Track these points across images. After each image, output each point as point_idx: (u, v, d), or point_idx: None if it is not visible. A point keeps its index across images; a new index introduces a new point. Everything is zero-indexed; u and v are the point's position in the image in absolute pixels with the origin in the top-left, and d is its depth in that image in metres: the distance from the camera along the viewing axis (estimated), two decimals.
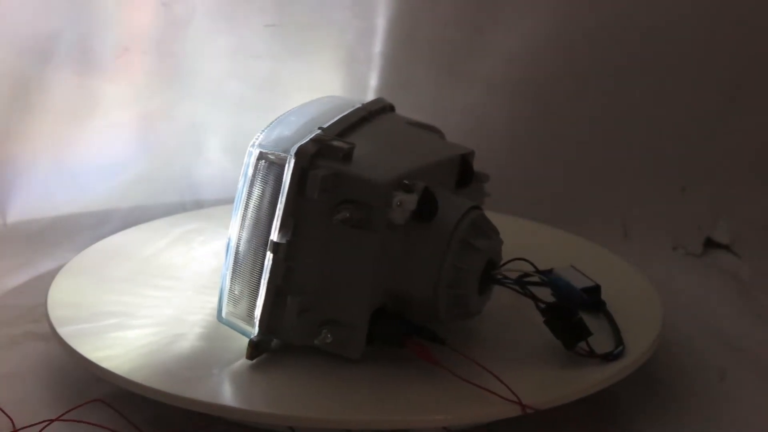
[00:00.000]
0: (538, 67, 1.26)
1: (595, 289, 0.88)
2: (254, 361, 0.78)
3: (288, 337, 0.79)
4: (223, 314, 0.82)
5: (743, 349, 0.97)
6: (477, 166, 0.89)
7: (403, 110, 0.94)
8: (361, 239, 0.76)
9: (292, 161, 0.77)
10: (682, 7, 1.23)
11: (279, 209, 0.77)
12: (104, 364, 0.78)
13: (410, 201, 0.76)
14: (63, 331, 0.83)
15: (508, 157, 1.26)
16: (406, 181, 0.76)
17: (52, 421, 0.78)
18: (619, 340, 0.82)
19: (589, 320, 0.82)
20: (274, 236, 0.77)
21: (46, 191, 1.20)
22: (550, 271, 0.88)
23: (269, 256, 0.77)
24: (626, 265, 0.99)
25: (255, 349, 0.78)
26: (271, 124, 0.83)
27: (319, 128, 0.81)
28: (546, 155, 1.27)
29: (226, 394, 0.77)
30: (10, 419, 0.79)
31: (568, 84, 1.26)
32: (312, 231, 0.77)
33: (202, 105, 1.25)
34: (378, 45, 1.29)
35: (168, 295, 0.91)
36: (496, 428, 0.78)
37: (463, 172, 0.87)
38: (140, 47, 1.21)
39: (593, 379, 0.78)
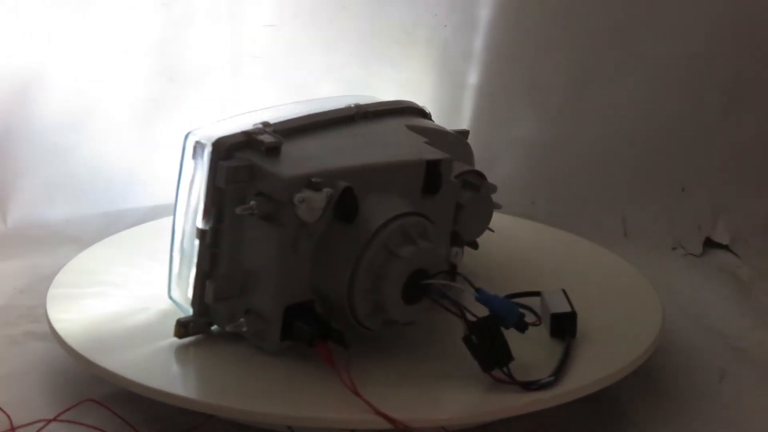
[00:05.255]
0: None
1: (570, 316, 0.83)
2: (183, 340, 0.80)
3: (216, 322, 0.81)
4: (172, 295, 0.84)
5: (743, 349, 0.98)
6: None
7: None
8: (270, 233, 0.76)
9: (209, 149, 0.78)
10: (682, 7, 1.23)
11: (201, 197, 0.79)
12: (56, 325, 0.83)
13: (317, 199, 0.75)
14: (51, 293, 0.88)
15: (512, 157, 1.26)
16: (315, 179, 0.75)
17: (49, 421, 0.78)
18: (555, 371, 0.77)
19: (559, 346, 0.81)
20: (199, 223, 0.79)
21: (46, 193, 1.20)
22: (538, 293, 0.86)
23: (196, 242, 0.79)
24: (626, 265, 0.99)
25: (182, 328, 0.80)
26: (239, 115, 0.84)
27: (262, 123, 0.81)
28: (546, 154, 1.27)
29: (134, 367, 0.78)
30: (9, 417, 0.79)
31: (567, 82, 1.26)
32: (232, 220, 0.78)
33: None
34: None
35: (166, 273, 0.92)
36: (496, 428, 0.78)
37: (430, 178, 0.83)
38: (141, 47, 1.21)
39: (513, 403, 0.75)
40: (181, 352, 0.80)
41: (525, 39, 1.23)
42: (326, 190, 0.75)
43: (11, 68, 1.17)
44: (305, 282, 0.78)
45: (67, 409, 0.79)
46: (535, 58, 1.24)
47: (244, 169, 0.77)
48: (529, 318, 0.80)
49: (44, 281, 0.93)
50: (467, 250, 0.93)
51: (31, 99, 1.19)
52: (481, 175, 0.91)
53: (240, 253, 0.78)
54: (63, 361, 0.86)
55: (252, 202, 0.75)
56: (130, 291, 0.90)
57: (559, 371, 0.77)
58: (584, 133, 1.26)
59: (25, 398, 0.83)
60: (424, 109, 0.96)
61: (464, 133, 0.98)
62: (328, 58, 1.23)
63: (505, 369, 0.75)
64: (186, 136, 0.81)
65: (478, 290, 0.77)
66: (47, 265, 1.04)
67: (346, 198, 0.76)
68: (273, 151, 0.78)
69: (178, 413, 0.78)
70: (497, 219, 0.93)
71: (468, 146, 0.96)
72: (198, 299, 0.80)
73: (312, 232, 0.77)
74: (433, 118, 0.97)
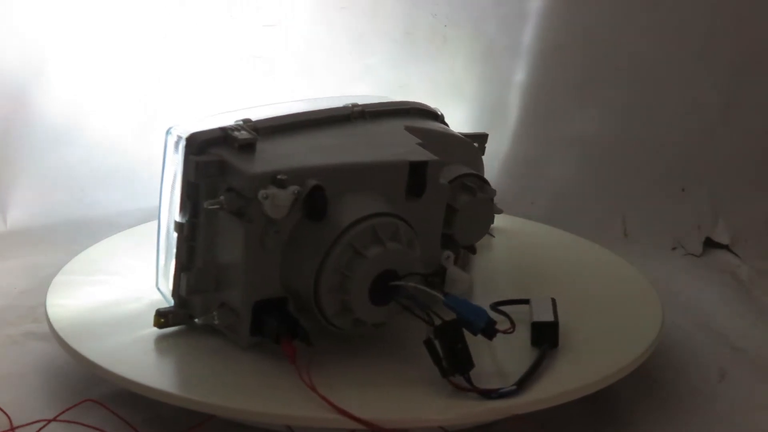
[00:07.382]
0: None
1: (551, 325, 0.81)
2: (163, 330, 0.81)
3: (194, 314, 0.81)
4: (159, 286, 0.85)
5: (743, 349, 0.97)
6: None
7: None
8: (238, 228, 0.77)
9: (183, 143, 0.79)
10: (681, 7, 1.23)
11: (177, 190, 0.79)
12: (49, 310, 0.85)
13: (282, 196, 0.75)
14: (56, 279, 0.90)
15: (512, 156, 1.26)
16: (281, 176, 0.75)
17: (49, 421, 0.78)
18: (520, 380, 0.75)
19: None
20: (176, 216, 0.79)
21: (46, 193, 1.20)
22: (527, 301, 0.85)
23: (174, 234, 0.80)
24: (626, 265, 0.99)
25: (161, 318, 0.81)
26: (229, 112, 0.84)
27: (243, 120, 0.81)
28: (546, 155, 1.27)
29: (106, 353, 0.79)
30: (8, 417, 0.79)
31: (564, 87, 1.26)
32: (206, 215, 0.78)
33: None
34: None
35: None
36: (496, 428, 0.78)
37: (414, 179, 0.82)
38: (143, 47, 1.21)
39: (468, 410, 0.74)
40: (160, 342, 0.81)
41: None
42: (293, 188, 0.75)
43: (11, 68, 1.17)
44: (276, 279, 0.78)
45: (67, 409, 0.79)
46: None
47: (213, 164, 0.77)
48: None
49: (44, 281, 0.93)
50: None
51: (31, 99, 1.19)
52: (481, 179, 0.90)
53: (214, 247, 0.79)
54: (63, 361, 0.86)
55: (221, 197, 0.76)
56: (129, 282, 0.91)
57: (524, 380, 0.75)
58: (584, 134, 1.26)
59: (25, 398, 0.83)
60: (436, 111, 0.94)
61: (481, 137, 0.97)
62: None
63: (465, 376, 0.74)
64: (168, 131, 0.82)
65: (445, 294, 0.76)
66: (47, 265, 1.04)
67: (315, 196, 0.76)
68: (247, 147, 0.78)
69: (175, 414, 0.78)
70: (498, 219, 0.93)
71: (476, 150, 0.95)
72: (177, 291, 0.81)
73: (280, 228, 0.77)
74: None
